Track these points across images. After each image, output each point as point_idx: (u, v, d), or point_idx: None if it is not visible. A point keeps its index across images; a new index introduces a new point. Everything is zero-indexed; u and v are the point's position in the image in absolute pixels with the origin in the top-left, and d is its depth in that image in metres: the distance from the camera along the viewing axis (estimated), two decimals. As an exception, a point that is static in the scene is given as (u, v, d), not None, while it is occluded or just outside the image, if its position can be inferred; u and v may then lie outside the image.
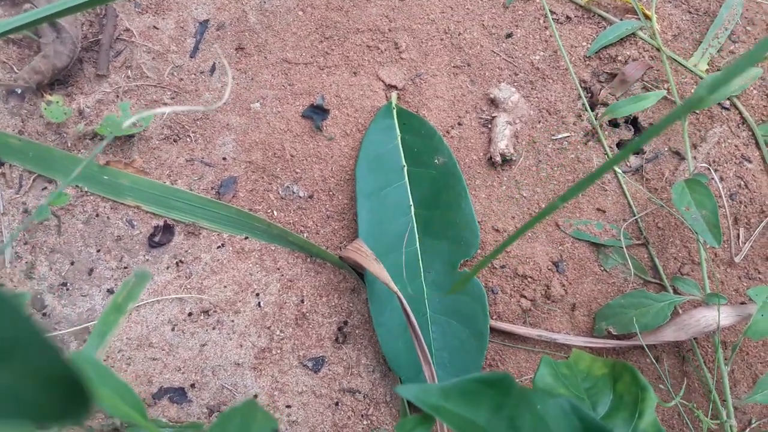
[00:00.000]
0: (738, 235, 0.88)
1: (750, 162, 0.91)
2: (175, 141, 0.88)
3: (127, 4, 0.93)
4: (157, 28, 0.93)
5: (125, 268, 0.81)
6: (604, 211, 0.88)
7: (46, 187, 0.84)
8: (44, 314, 0.78)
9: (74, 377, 0.16)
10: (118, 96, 0.89)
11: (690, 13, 1.00)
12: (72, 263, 0.81)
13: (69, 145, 0.86)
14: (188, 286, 0.81)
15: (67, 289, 0.80)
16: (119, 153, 0.86)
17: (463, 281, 0.77)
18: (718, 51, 0.97)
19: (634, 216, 0.88)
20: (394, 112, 0.90)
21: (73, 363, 0.16)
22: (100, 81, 0.89)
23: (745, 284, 0.86)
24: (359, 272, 0.84)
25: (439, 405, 0.40)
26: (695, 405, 0.79)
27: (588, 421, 0.46)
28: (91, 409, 0.17)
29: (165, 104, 0.89)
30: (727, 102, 0.93)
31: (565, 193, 0.34)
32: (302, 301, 0.83)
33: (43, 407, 0.15)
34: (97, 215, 0.83)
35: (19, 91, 0.86)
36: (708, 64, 0.96)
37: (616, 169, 0.90)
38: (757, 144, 0.92)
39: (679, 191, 0.80)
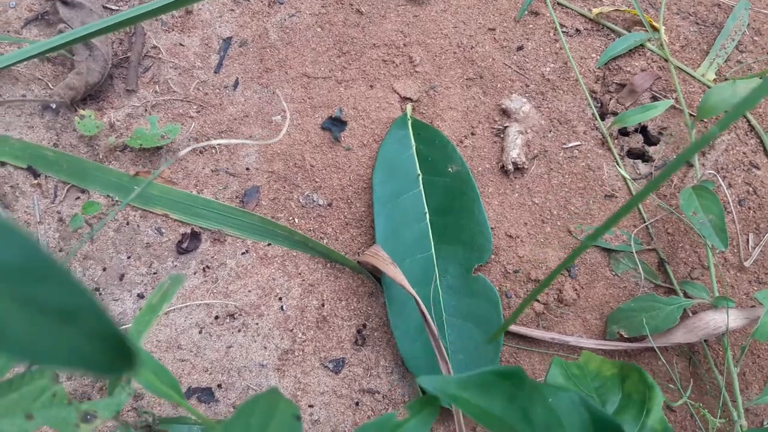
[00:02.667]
0: (747, 240, 0.90)
1: (758, 169, 0.93)
2: (201, 152, 0.92)
3: (155, 22, 0.98)
4: (183, 45, 0.97)
5: (155, 273, 0.85)
6: (615, 217, 0.91)
7: (79, 197, 0.88)
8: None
9: (122, 338, 0.20)
10: (146, 110, 0.93)
11: (697, 24, 1.03)
12: (104, 269, 0.85)
13: (100, 156, 0.90)
14: (214, 291, 0.85)
15: (100, 294, 0.84)
16: (148, 164, 0.90)
17: (498, 332, 0.81)
18: (725, 60, 0.99)
19: (645, 222, 0.91)
20: (409, 123, 0.94)
21: (119, 328, 0.20)
22: (130, 96, 0.94)
23: (755, 288, 0.88)
24: (377, 277, 0.87)
25: (457, 395, 0.43)
26: (703, 405, 0.81)
27: (597, 413, 0.49)
28: (135, 366, 0.20)
29: (191, 117, 0.93)
30: (735, 110, 0.96)
31: (604, 225, 0.37)
32: (323, 305, 0.86)
33: (99, 361, 0.19)
34: (128, 223, 0.87)
35: (54, 106, 0.91)
36: (716, 74, 0.99)
37: (626, 176, 0.93)
38: (765, 151, 0.94)
39: (686, 197, 0.83)
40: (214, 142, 0.56)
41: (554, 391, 0.50)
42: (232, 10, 1.01)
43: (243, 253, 0.87)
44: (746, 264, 0.88)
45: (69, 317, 0.19)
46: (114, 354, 0.20)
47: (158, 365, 0.48)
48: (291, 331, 0.84)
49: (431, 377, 0.45)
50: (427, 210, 0.88)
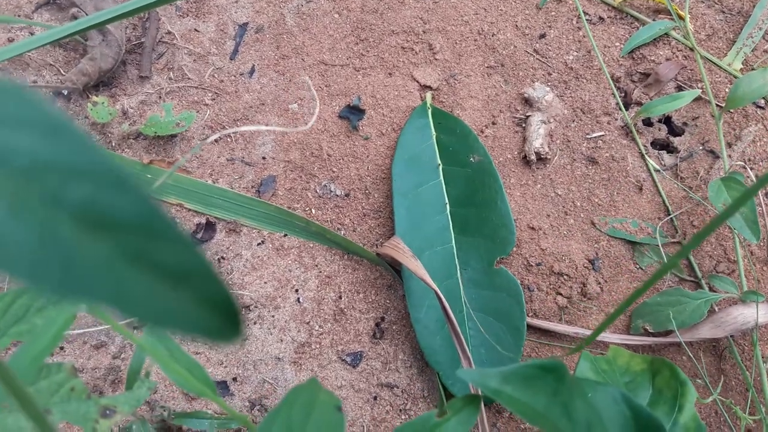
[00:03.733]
0: (774, 233, 0.88)
1: (786, 160, 0.91)
2: (216, 141, 0.90)
3: (169, 8, 0.96)
4: (198, 31, 0.95)
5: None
6: (640, 210, 0.89)
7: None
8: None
9: (234, 305, 0.19)
10: (160, 97, 0.91)
11: (723, 12, 1.00)
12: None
13: (113, 144, 0.88)
14: (230, 282, 0.83)
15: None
16: (162, 152, 0.88)
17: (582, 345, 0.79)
18: (752, 50, 0.97)
19: (670, 214, 0.88)
20: (429, 111, 0.92)
21: (232, 294, 0.19)
22: (143, 82, 0.92)
23: (781, 283, 0.86)
24: (396, 269, 0.85)
25: (500, 389, 0.41)
26: (732, 402, 0.79)
27: (638, 410, 0.47)
28: (243, 334, 0.20)
29: (206, 105, 0.91)
30: (762, 101, 0.94)
31: (643, 286, 0.35)
32: (340, 297, 0.84)
33: (209, 326, 0.18)
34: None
35: (66, 93, 0.89)
36: (743, 64, 0.96)
37: (652, 166, 0.90)
38: (792, 143, 0.92)
39: (715, 189, 0.81)
40: (236, 129, 0.54)
41: (594, 387, 0.48)
42: (248, -5, 0.98)
43: (259, 244, 0.85)
44: (774, 258, 0.86)
45: (182, 279, 0.18)
46: (224, 320, 0.19)
47: (189, 358, 0.47)
48: (308, 323, 0.83)
49: (470, 370, 0.43)
50: (447, 201, 0.86)
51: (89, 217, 0.17)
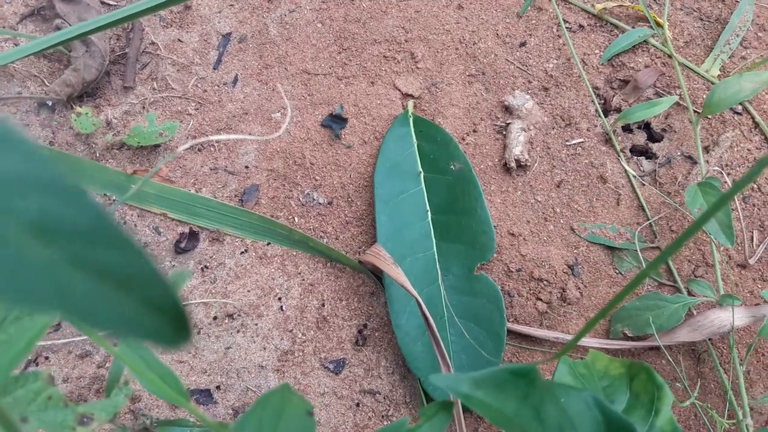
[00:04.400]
0: (752, 237, 0.89)
1: (763, 166, 0.92)
2: (199, 150, 0.90)
3: (153, 18, 0.96)
4: (182, 41, 0.96)
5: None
6: (619, 215, 0.90)
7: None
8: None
9: (181, 310, 0.20)
10: (144, 107, 0.92)
11: (701, 20, 1.02)
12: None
13: (97, 155, 0.89)
14: (213, 291, 0.84)
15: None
16: (146, 163, 0.89)
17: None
18: (729, 57, 0.98)
19: (648, 220, 0.90)
20: (411, 120, 0.93)
21: (180, 300, 0.20)
22: (127, 93, 0.92)
23: (759, 286, 0.87)
24: (378, 276, 0.86)
25: (470, 394, 0.42)
26: (710, 405, 0.80)
27: (610, 415, 0.48)
28: (191, 340, 0.20)
29: (190, 114, 0.92)
30: (740, 107, 0.95)
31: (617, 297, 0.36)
32: (323, 305, 0.85)
33: (156, 331, 0.19)
34: (125, 223, 0.86)
35: (50, 104, 0.90)
36: (720, 70, 0.97)
37: (630, 173, 0.92)
38: (769, 148, 0.93)
39: (692, 194, 0.82)
40: (213, 138, 0.55)
41: (567, 391, 0.48)
42: (231, 5, 0.99)
43: (242, 253, 0.86)
44: (751, 262, 0.87)
45: (127, 283, 0.19)
46: (172, 325, 0.20)
47: (163, 367, 0.47)
48: (291, 331, 0.83)
49: (443, 375, 0.44)
50: (429, 208, 0.87)
51: (37, 226, 0.18)
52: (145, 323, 0.19)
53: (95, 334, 0.48)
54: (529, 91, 0.96)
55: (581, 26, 1.01)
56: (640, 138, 0.95)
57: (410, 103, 0.95)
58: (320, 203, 0.89)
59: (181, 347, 0.20)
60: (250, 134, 0.91)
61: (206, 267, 0.85)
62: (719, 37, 1.00)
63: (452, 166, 0.89)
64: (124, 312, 0.19)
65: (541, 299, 0.86)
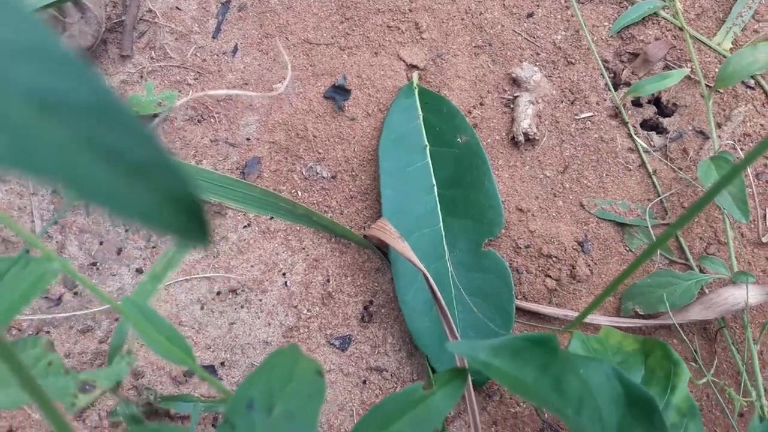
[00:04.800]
0: (765, 215, 0.87)
1: (775, 141, 0.90)
2: (199, 122, 0.88)
3: (149, -15, 0.93)
4: (180, 9, 0.93)
5: (153, 248, 0.81)
6: (629, 191, 0.88)
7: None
8: (75, 293, 0.78)
9: (198, 204, 0.18)
10: (142, 76, 0.89)
11: (713, -8, 0.99)
12: (101, 243, 0.81)
13: (93, 125, 0.86)
14: (216, 266, 0.81)
15: (97, 269, 0.80)
16: (144, 133, 0.86)
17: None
18: (742, 29, 0.96)
19: (659, 196, 0.88)
20: (416, 91, 0.90)
21: (199, 194, 0.17)
22: (124, 61, 0.89)
23: (770, 263, 0.86)
24: (383, 251, 0.84)
25: (489, 362, 0.40)
26: (726, 384, 0.79)
27: (630, 386, 0.46)
28: (209, 239, 0.19)
29: (189, 84, 0.89)
30: (752, 81, 0.93)
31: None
32: (328, 281, 0.83)
33: (172, 223, 0.17)
34: (123, 195, 0.83)
35: (43, 72, 0.86)
36: (732, 43, 0.95)
37: (642, 147, 0.90)
38: (781, 123, 0.91)
39: (704, 169, 0.80)
40: (204, 93, 0.52)
41: (587, 362, 0.47)
42: (230, -28, 0.96)
43: (245, 227, 0.84)
44: (764, 239, 0.86)
45: (139, 170, 0.17)
46: (190, 220, 0.18)
47: (171, 328, 0.45)
48: (295, 307, 0.81)
49: (461, 343, 0.42)
50: (435, 182, 0.85)
51: (41, 99, 0.16)
52: (160, 214, 0.17)
53: (90, 284, 0.45)
54: (537, 64, 0.94)
55: (591, -3, 0.98)
56: (650, 112, 0.93)
57: (415, 75, 0.92)
58: (324, 177, 0.87)
59: (200, 244, 0.18)
60: (250, 107, 0.88)
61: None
62: (731, 9, 0.97)
63: (459, 139, 0.87)
64: (138, 200, 0.17)
65: (550, 276, 0.84)
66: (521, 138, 0.89)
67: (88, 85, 0.17)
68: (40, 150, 0.16)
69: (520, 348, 0.43)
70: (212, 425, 0.74)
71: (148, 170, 0.17)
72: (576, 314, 0.82)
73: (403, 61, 0.93)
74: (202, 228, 0.18)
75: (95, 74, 0.17)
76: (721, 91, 0.93)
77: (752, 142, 0.90)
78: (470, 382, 0.72)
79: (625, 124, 0.91)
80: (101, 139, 0.17)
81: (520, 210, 0.87)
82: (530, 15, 0.97)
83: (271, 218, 0.84)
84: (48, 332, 0.76)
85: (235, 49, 0.92)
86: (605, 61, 0.95)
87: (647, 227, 0.86)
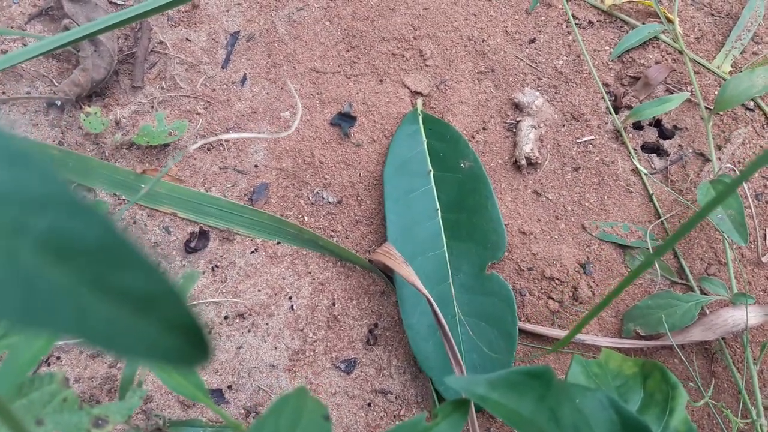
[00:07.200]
0: (765, 235, 0.88)
1: (775, 162, 0.91)
2: (208, 150, 0.90)
3: (161, 17, 0.96)
4: (190, 41, 0.96)
5: (163, 273, 0.84)
6: (630, 213, 0.89)
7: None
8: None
9: (200, 329, 0.19)
10: (153, 106, 0.92)
11: (712, 15, 1.01)
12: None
13: (107, 154, 0.89)
14: (224, 290, 0.84)
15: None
16: (155, 162, 0.89)
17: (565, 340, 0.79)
18: (741, 52, 0.97)
19: (660, 218, 0.89)
20: (420, 118, 0.92)
21: (199, 318, 0.19)
22: (136, 92, 0.92)
23: (772, 284, 0.86)
24: (388, 275, 0.86)
25: (486, 395, 0.42)
26: (724, 405, 0.80)
27: (625, 415, 0.47)
28: (210, 358, 0.20)
29: (198, 114, 0.92)
30: (752, 103, 0.94)
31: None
32: (333, 304, 0.85)
33: (175, 353, 0.18)
34: (135, 222, 0.86)
35: (59, 104, 0.90)
36: (731, 66, 0.97)
37: (642, 170, 0.91)
38: (782, 144, 0.92)
39: (704, 191, 0.81)
40: (223, 136, 0.55)
41: (582, 392, 0.48)
42: (239, 3, 0.99)
43: (252, 252, 0.86)
44: (764, 260, 0.87)
45: (147, 305, 0.18)
46: (192, 345, 0.19)
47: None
48: (301, 331, 0.83)
49: (458, 377, 0.44)
50: (438, 207, 0.87)
51: (51, 245, 0.17)
52: (165, 345, 0.19)
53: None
54: (539, 88, 0.96)
55: (591, 22, 1.00)
56: (651, 135, 0.95)
57: (419, 101, 0.94)
58: (330, 202, 0.89)
59: (201, 365, 0.20)
60: (259, 133, 0.90)
61: (216, 266, 0.85)
62: (730, 32, 0.99)
63: (462, 164, 0.88)
64: (143, 335, 0.18)
65: (552, 298, 0.85)
66: (524, 162, 0.90)
67: (98, 228, 0.18)
68: (47, 296, 0.17)
69: (516, 381, 0.44)
70: (221, 447, 0.76)
71: (155, 304, 0.18)
72: (580, 336, 0.83)
73: (408, 88, 0.96)
74: (204, 348, 0.20)
75: (104, 216, 0.18)
76: (721, 113, 0.94)
77: (752, 164, 0.91)
78: (473, 406, 0.73)
79: (626, 146, 0.93)
80: (108, 278, 0.18)
81: (523, 233, 0.88)
82: (532, 41, 0.99)
83: (278, 243, 0.87)
84: (58, 357, 0.79)
85: (244, 79, 0.94)
86: (606, 85, 0.97)
87: (648, 249, 0.87)
